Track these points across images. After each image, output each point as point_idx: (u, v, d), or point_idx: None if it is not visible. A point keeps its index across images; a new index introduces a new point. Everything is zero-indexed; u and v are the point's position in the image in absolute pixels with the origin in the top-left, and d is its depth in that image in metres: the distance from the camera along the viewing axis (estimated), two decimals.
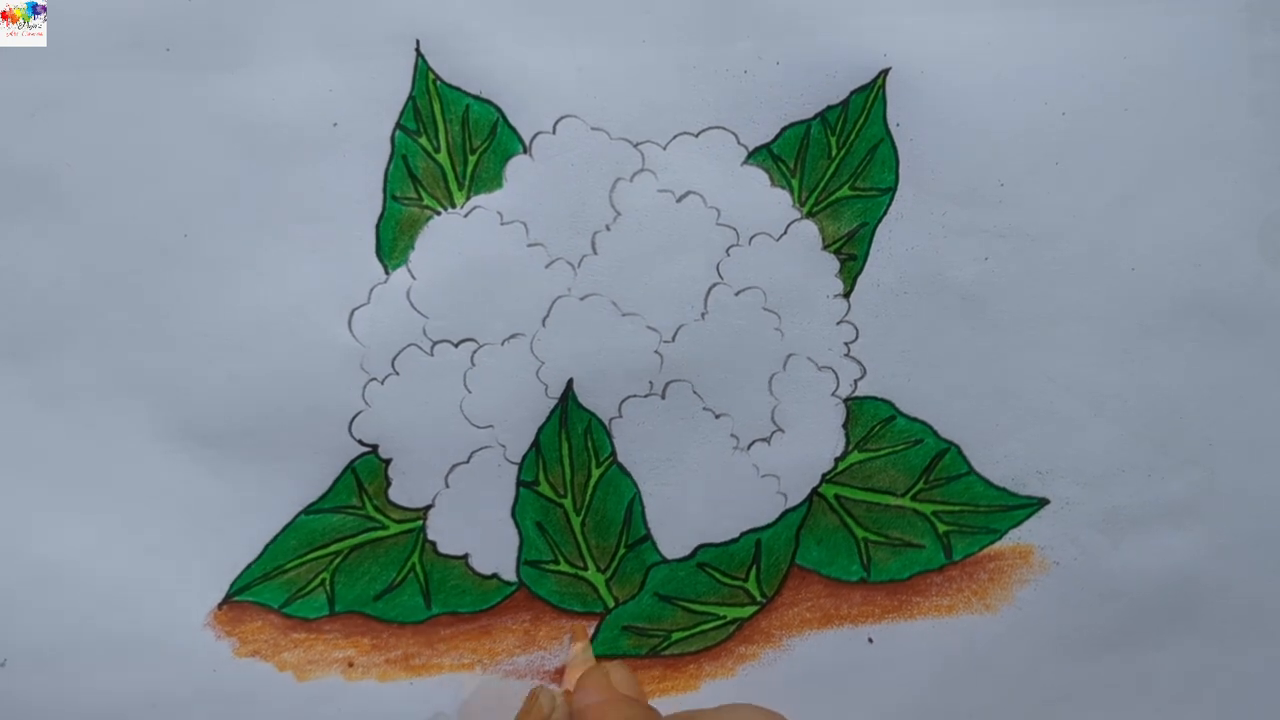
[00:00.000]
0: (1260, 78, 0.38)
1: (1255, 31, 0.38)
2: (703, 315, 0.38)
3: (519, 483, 0.39)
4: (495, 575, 0.39)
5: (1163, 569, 0.40)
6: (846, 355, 0.39)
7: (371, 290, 0.38)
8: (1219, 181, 0.38)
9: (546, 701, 0.36)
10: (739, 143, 0.38)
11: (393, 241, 0.37)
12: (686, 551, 0.39)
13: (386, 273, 0.38)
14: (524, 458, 0.39)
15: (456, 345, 0.38)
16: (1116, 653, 0.40)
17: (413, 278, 0.38)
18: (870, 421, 0.39)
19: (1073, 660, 0.40)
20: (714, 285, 0.38)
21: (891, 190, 0.38)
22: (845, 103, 0.38)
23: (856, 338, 0.39)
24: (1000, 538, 0.40)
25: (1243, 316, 0.39)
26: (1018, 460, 0.40)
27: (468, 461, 0.38)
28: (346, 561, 0.38)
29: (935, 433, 0.40)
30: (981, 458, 0.40)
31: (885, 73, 0.38)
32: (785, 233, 0.39)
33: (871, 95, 0.38)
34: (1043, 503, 0.40)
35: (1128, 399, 0.39)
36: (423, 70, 0.37)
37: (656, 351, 0.38)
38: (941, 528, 0.40)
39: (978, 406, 0.39)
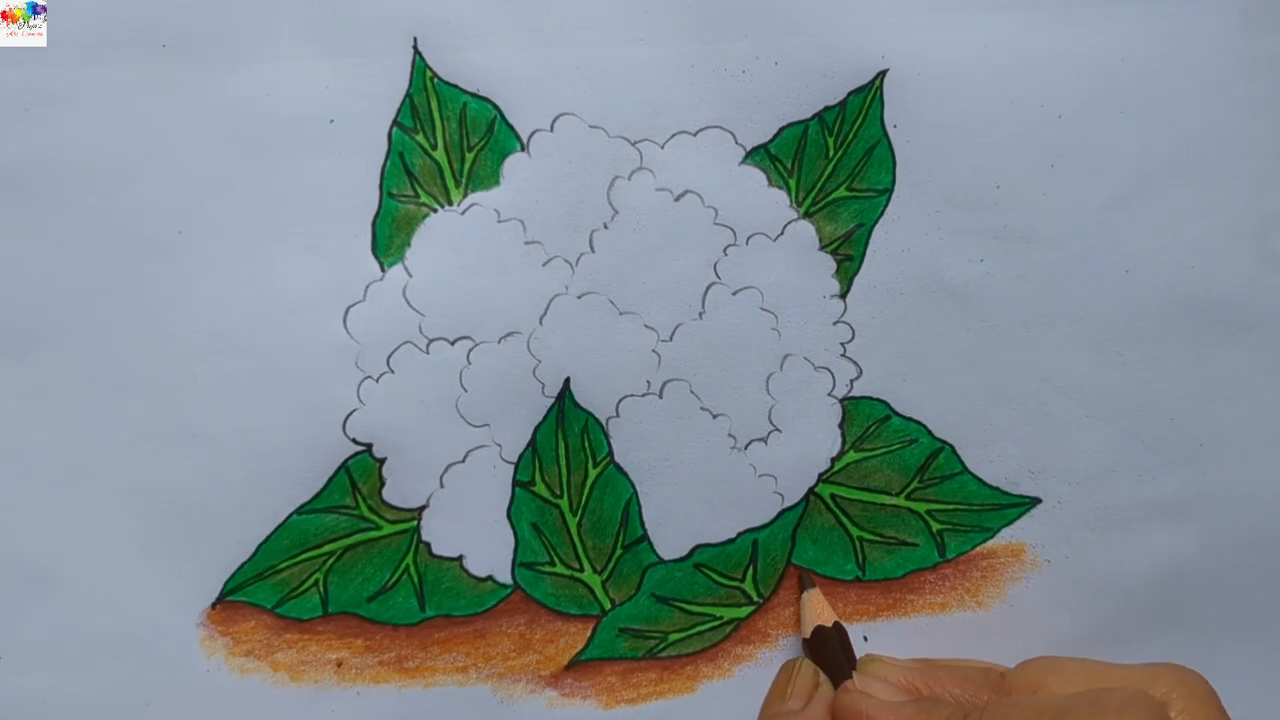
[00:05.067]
0: (1256, 80, 0.38)
1: (1251, 33, 0.38)
2: (700, 315, 0.38)
3: (515, 483, 0.38)
4: (490, 577, 0.39)
5: (1153, 567, 0.40)
6: (843, 355, 0.39)
7: (367, 287, 0.37)
8: (1214, 183, 0.39)
9: (810, 676, 0.37)
10: (737, 142, 0.38)
11: (389, 239, 0.37)
12: (683, 552, 0.39)
13: (382, 270, 0.37)
14: (520, 457, 0.38)
15: (452, 343, 0.38)
16: (1107, 649, 0.40)
17: (409, 275, 0.37)
18: (866, 421, 0.40)
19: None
20: (711, 285, 0.38)
21: (888, 191, 0.39)
22: (843, 104, 0.38)
23: (853, 338, 0.39)
24: (993, 536, 0.40)
25: (1236, 318, 0.39)
26: (1011, 460, 0.40)
27: (463, 461, 0.38)
28: (340, 562, 0.38)
29: (930, 432, 0.40)
30: (975, 457, 0.40)
31: (883, 74, 0.38)
32: (782, 233, 0.39)
33: (869, 96, 0.38)
34: (1035, 502, 0.40)
35: (1120, 400, 0.40)
36: (420, 67, 0.37)
37: (654, 351, 0.38)
38: (935, 526, 0.40)
39: (972, 407, 0.40)
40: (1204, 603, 0.41)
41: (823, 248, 0.39)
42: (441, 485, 0.38)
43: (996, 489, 0.40)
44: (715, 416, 0.39)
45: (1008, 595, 0.40)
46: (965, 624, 0.40)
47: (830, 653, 0.38)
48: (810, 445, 0.39)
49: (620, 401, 0.38)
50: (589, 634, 0.39)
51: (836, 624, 0.39)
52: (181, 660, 0.38)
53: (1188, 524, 0.40)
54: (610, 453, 0.39)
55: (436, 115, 0.37)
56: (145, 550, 0.37)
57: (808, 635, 0.39)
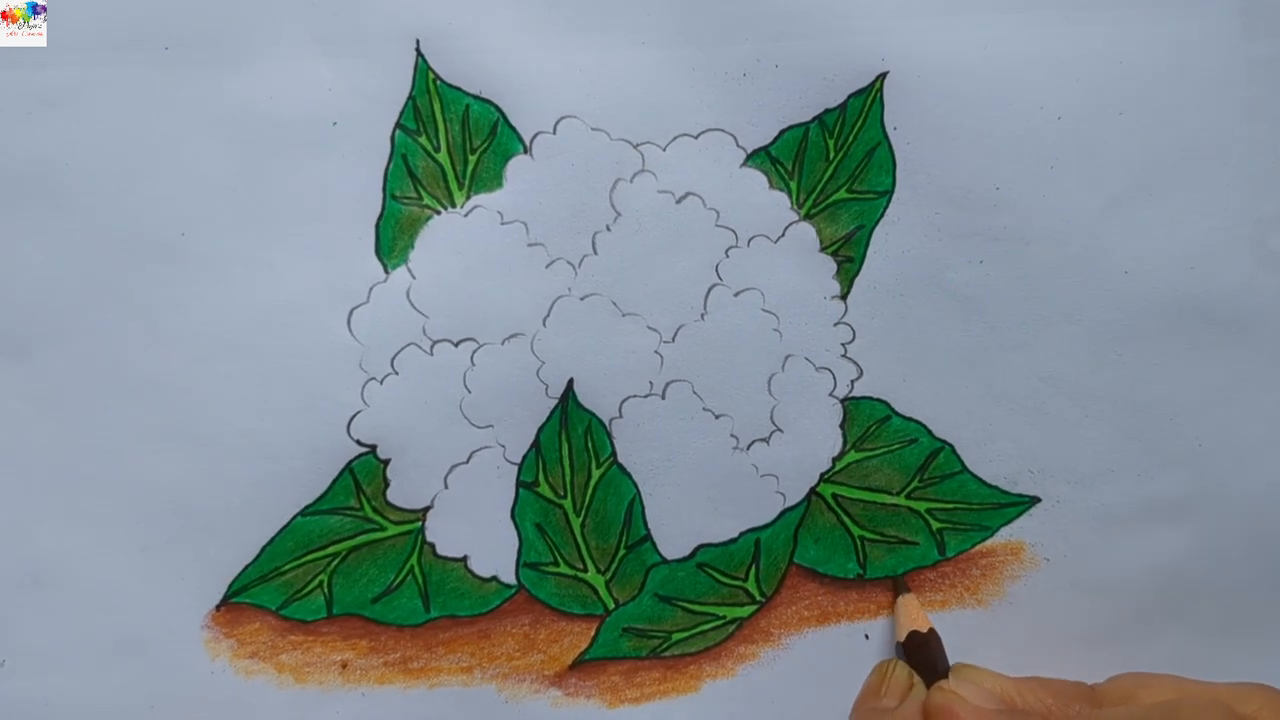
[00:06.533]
0: (1254, 83, 0.38)
1: (1250, 37, 0.38)
2: (702, 316, 0.39)
3: (519, 483, 0.39)
4: (494, 578, 0.39)
5: (1151, 566, 0.41)
6: (844, 356, 0.39)
7: (371, 289, 0.37)
8: (1212, 185, 0.39)
9: (904, 676, 0.38)
10: (738, 145, 0.38)
11: (392, 241, 0.37)
12: (686, 552, 0.40)
13: (386, 272, 0.37)
14: (524, 458, 0.38)
15: (456, 345, 0.38)
16: (1105, 647, 0.41)
17: (412, 277, 0.37)
18: (866, 421, 0.40)
19: (1062, 654, 0.41)
20: (713, 286, 0.39)
21: (888, 193, 0.39)
22: (843, 106, 0.38)
23: (853, 339, 0.39)
24: (992, 535, 0.41)
25: (1234, 319, 0.40)
26: (1010, 459, 0.40)
27: (467, 462, 0.38)
28: (344, 563, 0.38)
29: (930, 432, 0.40)
30: (974, 457, 0.40)
31: (883, 77, 0.38)
32: (783, 234, 0.39)
33: (869, 99, 0.38)
34: (1034, 501, 0.40)
35: (1119, 400, 0.40)
36: (423, 69, 0.37)
37: (656, 352, 0.39)
38: (935, 525, 0.40)
39: (971, 407, 0.40)
40: (1202, 602, 0.41)
41: (823, 249, 0.39)
42: (445, 486, 0.38)
43: (996, 488, 0.40)
44: (717, 417, 0.39)
45: (1007, 593, 0.41)
46: (965, 621, 0.41)
47: (925, 658, 0.39)
48: (811, 445, 0.40)
49: (623, 402, 0.39)
50: (593, 634, 0.39)
51: (932, 630, 0.39)
52: (186, 662, 0.38)
53: (1186, 523, 0.40)
54: (613, 453, 0.39)
55: (439, 117, 0.37)
56: (148, 552, 0.37)
57: (902, 639, 0.39)
